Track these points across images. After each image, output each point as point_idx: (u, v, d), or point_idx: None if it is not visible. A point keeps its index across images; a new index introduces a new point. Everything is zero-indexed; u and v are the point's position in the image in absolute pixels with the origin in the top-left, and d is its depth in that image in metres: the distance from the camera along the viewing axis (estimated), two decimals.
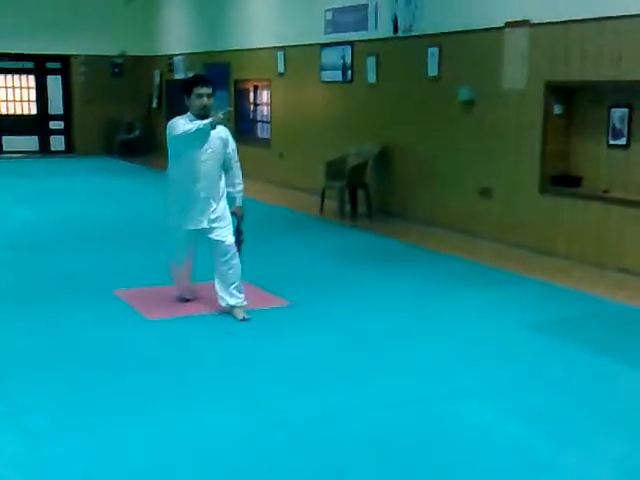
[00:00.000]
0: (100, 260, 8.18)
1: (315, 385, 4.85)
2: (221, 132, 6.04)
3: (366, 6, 11.32)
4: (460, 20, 9.69)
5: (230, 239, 6.12)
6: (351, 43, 11.78)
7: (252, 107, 15.50)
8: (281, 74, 13.76)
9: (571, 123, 8.68)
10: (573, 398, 4.69)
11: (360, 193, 11.12)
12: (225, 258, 6.10)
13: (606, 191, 8.20)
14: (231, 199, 6.29)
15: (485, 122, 9.47)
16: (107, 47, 18.75)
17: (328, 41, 12.33)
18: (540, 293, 7.07)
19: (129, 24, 18.73)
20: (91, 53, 18.72)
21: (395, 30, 10.77)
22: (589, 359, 5.38)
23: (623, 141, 8.09)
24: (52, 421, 4.27)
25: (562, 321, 6.22)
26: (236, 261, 6.14)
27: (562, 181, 8.66)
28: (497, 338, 5.79)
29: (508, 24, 8.96)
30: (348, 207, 11.05)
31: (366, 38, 11.42)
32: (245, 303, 6.21)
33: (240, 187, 6.33)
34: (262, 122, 15.17)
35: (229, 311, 6.19)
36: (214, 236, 6.09)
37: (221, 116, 5.72)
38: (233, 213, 6.27)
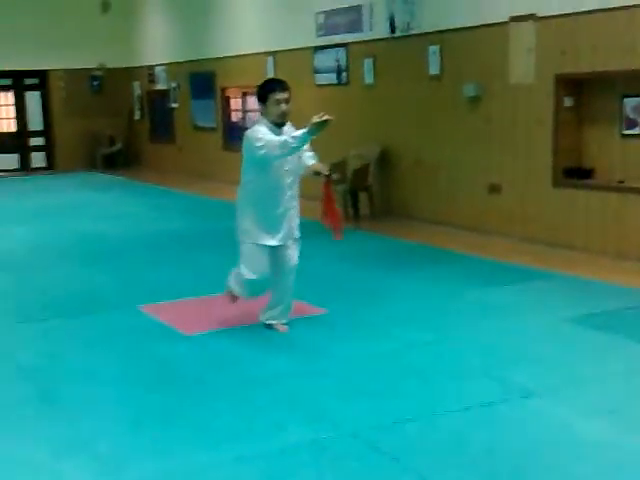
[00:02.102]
0: (110, 276, 8.00)
1: (376, 391, 4.73)
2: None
3: (360, 7, 11.22)
4: (462, 17, 9.61)
5: (296, 260, 5.91)
6: (345, 45, 11.67)
7: (241, 114, 15.32)
8: None
9: (582, 115, 8.64)
10: None
11: (362, 195, 11.01)
12: (291, 277, 5.91)
13: (622, 181, 8.16)
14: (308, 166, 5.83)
15: (493, 118, 9.39)
16: (86, 60, 18.44)
17: (321, 44, 12.20)
18: (570, 287, 6.99)
19: (107, 36, 18.42)
20: (70, 67, 18.45)
21: (392, 30, 10.68)
22: None
23: (637, 130, 8.06)
24: (118, 446, 4.12)
25: (603, 314, 6.14)
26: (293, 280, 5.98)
27: (574, 173, 8.62)
28: (547, 335, 5.70)
29: (513, 18, 8.91)
30: (351, 210, 10.94)
31: (361, 39, 11.31)
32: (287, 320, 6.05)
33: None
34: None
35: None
36: (288, 253, 5.83)
37: (317, 119, 5.24)
38: (318, 172, 5.76)
